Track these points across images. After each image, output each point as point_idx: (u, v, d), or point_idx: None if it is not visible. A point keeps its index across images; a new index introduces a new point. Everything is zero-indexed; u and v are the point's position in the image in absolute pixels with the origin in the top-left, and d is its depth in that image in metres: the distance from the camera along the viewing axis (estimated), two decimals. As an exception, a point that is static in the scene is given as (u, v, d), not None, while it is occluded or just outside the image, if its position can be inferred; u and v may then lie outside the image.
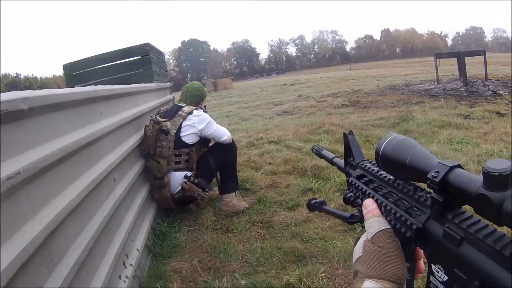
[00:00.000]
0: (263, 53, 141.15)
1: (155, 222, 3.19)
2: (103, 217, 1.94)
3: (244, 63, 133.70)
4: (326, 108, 10.31)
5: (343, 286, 2.26)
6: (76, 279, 1.52)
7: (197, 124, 3.34)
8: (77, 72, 5.07)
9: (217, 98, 22.57)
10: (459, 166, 0.50)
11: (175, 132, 3.27)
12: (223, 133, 3.50)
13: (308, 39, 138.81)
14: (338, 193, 3.64)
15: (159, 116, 3.42)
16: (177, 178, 3.34)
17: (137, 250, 2.50)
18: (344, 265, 2.43)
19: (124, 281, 2.13)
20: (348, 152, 0.83)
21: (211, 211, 3.54)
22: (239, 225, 3.23)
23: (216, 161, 3.53)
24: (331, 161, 0.96)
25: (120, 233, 2.25)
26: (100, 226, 1.87)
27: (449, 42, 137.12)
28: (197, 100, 3.66)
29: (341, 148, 5.07)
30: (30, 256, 1.22)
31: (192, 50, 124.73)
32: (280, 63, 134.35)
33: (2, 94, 1.27)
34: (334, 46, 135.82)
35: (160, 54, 6.03)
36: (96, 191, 1.93)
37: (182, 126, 3.31)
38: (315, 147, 1.05)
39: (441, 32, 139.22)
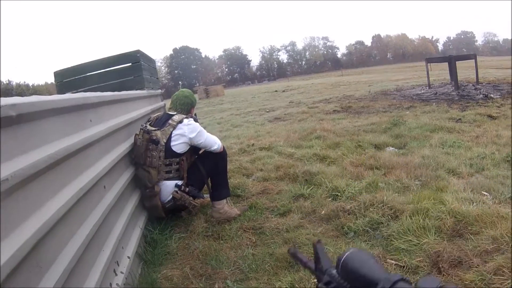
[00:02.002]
0: (255, 60, 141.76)
1: (146, 230, 3.17)
2: (93, 225, 1.92)
3: (236, 70, 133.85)
4: (317, 114, 10.33)
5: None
6: (65, 286, 1.51)
7: (188, 133, 3.31)
8: (68, 79, 5.04)
9: (209, 105, 22.56)
10: (402, 279, 0.58)
11: (165, 141, 3.24)
12: (214, 142, 3.49)
13: (300, 45, 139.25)
14: (330, 199, 3.64)
15: (149, 124, 3.39)
16: (168, 187, 3.32)
17: (128, 257, 2.49)
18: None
19: (114, 289, 2.11)
20: (317, 260, 0.89)
21: (203, 218, 3.51)
22: (231, 232, 3.21)
23: (207, 169, 3.52)
24: (305, 265, 1.00)
25: (110, 240, 2.23)
26: (90, 233, 1.85)
27: (440, 47, 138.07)
28: (187, 108, 3.63)
29: (332, 154, 5.23)
30: (19, 263, 1.21)
31: (184, 57, 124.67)
32: (271, 70, 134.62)
33: None
34: (325, 52, 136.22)
35: (151, 61, 6.02)
36: (85, 198, 1.92)
37: (172, 135, 3.28)
38: (290, 249, 1.09)
39: (432, 37, 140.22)
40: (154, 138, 3.19)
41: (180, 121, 3.34)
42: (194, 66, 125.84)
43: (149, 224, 3.30)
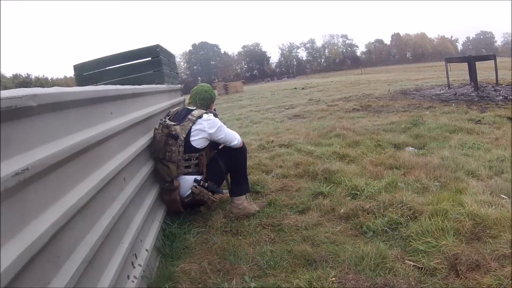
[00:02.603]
0: (274, 57, 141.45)
1: (164, 223, 3.18)
2: (112, 216, 1.93)
3: (255, 66, 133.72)
4: (337, 112, 10.26)
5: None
6: (83, 277, 1.52)
7: (207, 128, 3.30)
8: (87, 73, 5.10)
9: (228, 101, 22.61)
10: None
11: (184, 136, 3.23)
12: (234, 138, 3.47)
13: (319, 43, 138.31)
14: (349, 197, 3.60)
15: (169, 119, 3.39)
16: (187, 182, 3.32)
17: (146, 250, 2.49)
18: (355, 269, 2.38)
19: (132, 281, 2.11)
20: None
21: (221, 213, 3.51)
22: (250, 228, 3.19)
23: (226, 164, 3.50)
24: None
25: (129, 233, 2.24)
26: (109, 225, 1.86)
27: (459, 46, 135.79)
28: (207, 103, 3.62)
29: (352, 152, 5.18)
30: (37, 253, 1.21)
31: (203, 53, 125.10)
32: (290, 67, 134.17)
33: (11, 90, 1.27)
34: (344, 50, 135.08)
35: (170, 56, 6.05)
36: (105, 190, 1.93)
37: (192, 130, 3.27)
38: None
39: (451, 36, 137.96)
40: (174, 133, 3.18)
41: (200, 116, 3.32)
42: (213, 62, 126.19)
43: (167, 218, 3.30)
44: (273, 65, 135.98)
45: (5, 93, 1.21)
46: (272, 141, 6.63)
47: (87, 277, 1.57)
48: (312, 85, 28.39)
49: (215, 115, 3.57)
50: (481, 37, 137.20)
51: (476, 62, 12.38)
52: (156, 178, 3.31)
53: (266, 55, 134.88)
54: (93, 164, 1.88)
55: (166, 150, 3.17)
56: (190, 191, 3.30)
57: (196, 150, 3.31)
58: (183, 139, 3.22)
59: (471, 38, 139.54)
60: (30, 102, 1.32)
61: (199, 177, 3.35)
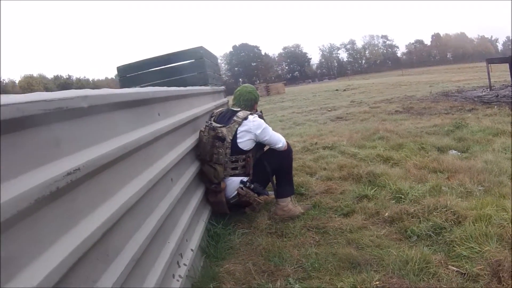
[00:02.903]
0: (315, 58, 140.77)
1: (209, 224, 3.20)
2: (160, 216, 1.95)
3: (296, 68, 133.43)
4: (379, 114, 10.16)
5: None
6: (131, 275, 1.53)
7: (253, 129, 3.30)
8: (131, 74, 5.21)
9: (270, 103, 22.70)
10: None
11: (231, 138, 3.24)
12: (279, 140, 3.45)
13: (359, 44, 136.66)
14: (393, 201, 3.52)
15: (213, 120, 3.41)
16: (233, 183, 3.32)
17: (192, 250, 2.51)
18: (399, 274, 2.34)
19: (178, 280, 2.13)
20: None
21: (266, 215, 3.50)
22: (294, 230, 3.17)
23: (272, 166, 3.48)
24: None
25: (175, 232, 2.26)
26: (157, 225, 1.88)
27: (500, 46, 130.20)
28: (251, 104, 3.62)
29: (395, 155, 5.06)
30: (87, 251, 1.24)
31: (244, 54, 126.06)
32: (331, 68, 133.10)
33: (62, 91, 1.31)
34: (385, 51, 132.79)
35: (213, 57, 6.10)
36: (154, 190, 1.95)
37: (238, 132, 3.27)
38: None
39: (491, 36, 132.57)
40: (220, 135, 3.17)
41: (245, 118, 3.33)
42: (254, 64, 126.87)
43: (212, 218, 3.32)
44: (314, 67, 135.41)
45: (57, 94, 1.23)
46: (316, 143, 6.60)
47: (135, 276, 1.59)
48: (354, 86, 28.24)
49: (261, 117, 3.57)
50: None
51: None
52: (202, 180, 3.33)
53: (307, 56, 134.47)
54: (142, 164, 1.90)
55: (213, 152, 3.17)
56: (236, 192, 3.30)
57: (242, 152, 3.31)
58: (229, 141, 3.23)
59: (511, 37, 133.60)
60: (82, 103, 1.34)
61: (245, 179, 3.34)
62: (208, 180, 3.27)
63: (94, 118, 1.46)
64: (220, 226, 3.21)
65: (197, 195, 3.05)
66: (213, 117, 3.50)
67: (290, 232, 3.15)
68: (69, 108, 1.27)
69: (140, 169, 1.86)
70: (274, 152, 3.50)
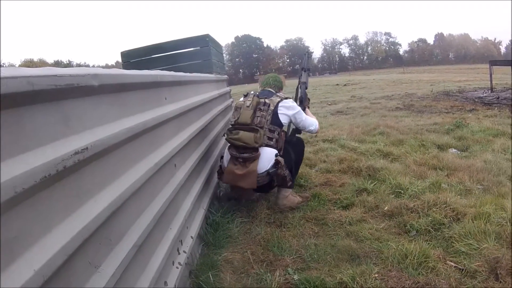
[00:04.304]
0: (316, 52, 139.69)
1: (208, 212, 3.18)
2: (163, 202, 1.93)
3: (297, 61, 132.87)
4: (380, 110, 10.24)
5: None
6: (133, 261, 1.51)
7: (291, 109, 3.41)
8: (135, 60, 5.16)
9: (269, 94, 22.70)
10: None
11: (272, 108, 3.32)
12: (311, 124, 3.59)
13: (362, 40, 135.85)
14: (393, 195, 3.57)
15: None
16: (267, 153, 3.26)
17: (191, 237, 2.49)
18: (398, 267, 2.38)
19: (177, 268, 2.11)
20: None
21: (265, 205, 3.50)
22: (293, 221, 3.18)
23: (296, 154, 3.56)
24: None
25: (178, 218, 2.24)
26: (160, 210, 1.85)
27: (503, 49, 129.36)
28: (280, 86, 3.77)
29: (395, 151, 5.08)
30: (91, 234, 1.21)
31: (245, 46, 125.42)
32: (333, 63, 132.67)
33: (73, 68, 1.27)
34: (387, 48, 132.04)
35: (218, 46, 6.06)
36: (158, 174, 1.92)
37: (279, 105, 3.36)
38: None
39: (495, 39, 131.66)
40: (266, 101, 3.32)
41: (286, 98, 3.46)
42: (256, 55, 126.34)
43: (211, 206, 3.30)
44: (315, 60, 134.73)
45: (68, 70, 1.19)
46: (316, 135, 6.56)
47: (137, 261, 1.57)
48: (354, 82, 28.30)
49: None
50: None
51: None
52: (229, 150, 3.30)
53: (309, 49, 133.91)
54: (148, 148, 1.87)
55: (256, 115, 3.27)
56: (273, 162, 3.25)
57: (279, 124, 3.36)
58: (272, 109, 3.31)
59: None
60: (92, 81, 1.30)
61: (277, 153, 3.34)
62: (242, 147, 3.22)
63: (104, 97, 1.42)
64: (219, 214, 3.19)
65: (199, 182, 3.03)
66: (252, 92, 3.56)
67: (289, 223, 3.17)
68: (80, 85, 1.23)
69: (146, 152, 1.83)
70: (298, 141, 3.68)
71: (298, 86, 3.99)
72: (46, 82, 1.06)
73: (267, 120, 3.27)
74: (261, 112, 3.27)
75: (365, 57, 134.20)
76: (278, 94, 3.51)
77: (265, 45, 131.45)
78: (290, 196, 3.47)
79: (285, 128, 3.50)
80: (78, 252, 1.13)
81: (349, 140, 6.08)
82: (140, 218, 1.66)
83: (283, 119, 3.37)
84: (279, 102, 3.37)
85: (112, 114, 1.48)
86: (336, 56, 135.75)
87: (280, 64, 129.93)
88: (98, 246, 1.30)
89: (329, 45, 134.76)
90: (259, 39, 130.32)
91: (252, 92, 3.52)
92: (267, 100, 3.35)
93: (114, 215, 1.39)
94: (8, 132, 0.92)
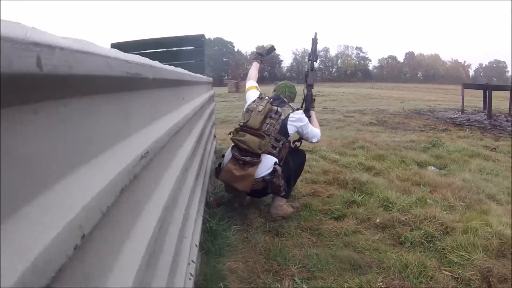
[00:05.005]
0: (286, 61, 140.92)
1: (204, 218, 3.05)
2: (184, 209, 1.80)
3: (266, 68, 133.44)
4: (354, 124, 10.59)
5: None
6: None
7: (299, 121, 3.44)
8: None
9: (240, 100, 22.66)
10: None
11: (283, 118, 3.34)
12: (315, 134, 3.62)
13: (333, 52, 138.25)
14: (382, 208, 3.68)
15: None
16: (268, 161, 3.29)
17: (196, 246, 2.37)
18: (399, 276, 2.47)
19: (190, 279, 1.98)
20: None
21: (257, 213, 3.49)
22: (289, 230, 3.21)
23: (296, 166, 3.55)
24: None
25: (189, 225, 2.13)
26: (184, 219, 1.74)
27: (471, 72, 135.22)
28: (293, 96, 3.80)
29: (378, 165, 5.14)
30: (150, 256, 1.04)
31: (217, 48, 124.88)
32: (301, 73, 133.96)
33: (132, 55, 1.05)
34: (357, 62, 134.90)
35: (210, 48, 5.93)
36: (181, 181, 1.78)
37: (290, 116, 3.38)
38: None
39: (464, 61, 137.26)
40: (278, 110, 3.35)
41: (298, 109, 3.52)
42: (226, 59, 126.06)
43: (206, 213, 3.19)
44: (285, 69, 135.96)
45: (134, 58, 1.01)
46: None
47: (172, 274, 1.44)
48: (324, 93, 28.71)
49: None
50: (494, 65, 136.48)
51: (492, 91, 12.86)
52: (232, 150, 3.32)
53: (279, 58, 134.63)
54: (175, 150, 1.75)
55: (265, 122, 3.29)
56: (271, 169, 3.26)
57: (286, 134, 3.38)
58: (282, 119, 3.33)
59: (484, 65, 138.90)
60: (149, 74, 1.13)
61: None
62: (245, 150, 3.25)
63: (155, 92, 1.29)
64: (215, 221, 3.09)
65: (199, 187, 2.91)
66: (266, 96, 3.56)
67: (285, 232, 3.17)
68: (142, 76, 1.06)
69: (173, 155, 1.71)
70: (298, 152, 3.65)
71: (304, 87, 4.03)
72: (120, 67, 0.87)
73: (275, 129, 3.29)
74: (271, 120, 3.30)
75: (334, 70, 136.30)
76: (290, 104, 3.54)
77: (236, 50, 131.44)
78: (284, 206, 3.48)
79: (290, 139, 3.50)
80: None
81: (329, 152, 6.17)
82: (171, 226, 1.53)
83: (291, 130, 3.40)
84: (290, 113, 3.39)
85: (161, 110, 1.36)
86: (306, 66, 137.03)
87: (249, 70, 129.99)
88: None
89: (300, 55, 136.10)
90: (230, 43, 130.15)
91: (266, 97, 3.51)
92: (279, 109, 3.37)
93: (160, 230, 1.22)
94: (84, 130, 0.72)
